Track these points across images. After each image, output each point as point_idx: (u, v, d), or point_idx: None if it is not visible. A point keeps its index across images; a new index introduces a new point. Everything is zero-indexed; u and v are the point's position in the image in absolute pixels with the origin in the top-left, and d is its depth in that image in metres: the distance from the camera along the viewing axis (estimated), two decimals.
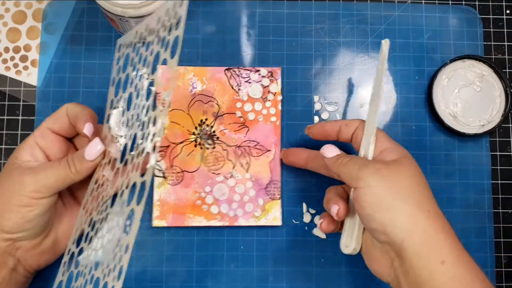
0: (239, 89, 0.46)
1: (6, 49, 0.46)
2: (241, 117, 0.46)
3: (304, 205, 0.45)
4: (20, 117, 0.46)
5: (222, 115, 0.46)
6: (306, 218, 0.45)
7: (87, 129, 0.38)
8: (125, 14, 0.40)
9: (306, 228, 0.45)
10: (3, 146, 0.45)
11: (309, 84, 0.47)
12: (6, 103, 0.46)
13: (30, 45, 0.46)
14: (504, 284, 0.46)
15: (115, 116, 0.38)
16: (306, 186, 0.46)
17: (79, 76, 0.46)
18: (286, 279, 0.44)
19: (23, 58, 0.46)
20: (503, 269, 0.46)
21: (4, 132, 0.45)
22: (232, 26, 0.47)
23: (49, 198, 0.37)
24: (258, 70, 0.46)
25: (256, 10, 0.48)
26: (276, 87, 0.46)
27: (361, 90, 0.47)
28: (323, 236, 0.45)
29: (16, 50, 0.46)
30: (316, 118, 0.46)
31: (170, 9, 0.31)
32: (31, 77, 0.46)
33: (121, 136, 0.38)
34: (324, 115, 0.47)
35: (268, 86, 0.46)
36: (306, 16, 0.48)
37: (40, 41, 0.46)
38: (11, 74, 0.46)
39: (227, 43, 0.47)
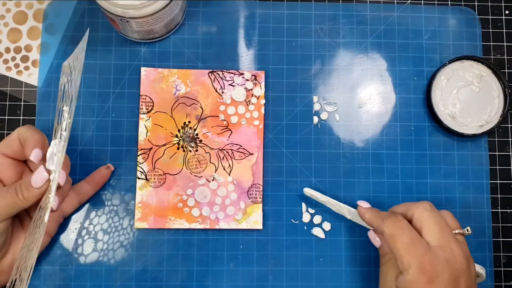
0: (222, 92, 0.46)
1: (7, 50, 0.47)
2: (224, 120, 0.46)
3: (304, 205, 0.45)
4: (21, 117, 0.46)
5: (205, 118, 0.46)
6: (305, 218, 0.45)
7: (34, 155, 0.36)
8: (126, 14, 0.40)
9: (305, 227, 0.45)
10: None
11: (308, 84, 0.47)
12: (7, 103, 0.46)
13: (31, 46, 0.47)
14: (503, 284, 0.46)
15: (51, 148, 0.35)
16: (305, 186, 0.46)
17: (80, 77, 0.46)
18: (286, 279, 0.45)
19: (24, 59, 0.46)
20: (502, 269, 0.46)
21: (5, 132, 0.46)
22: (232, 27, 0.47)
23: (0, 223, 0.36)
24: (242, 73, 0.46)
25: (256, 11, 0.48)
26: (259, 90, 0.46)
27: (360, 90, 0.48)
28: (323, 235, 0.45)
29: (17, 50, 0.47)
30: (315, 119, 0.47)
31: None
32: (32, 77, 0.46)
33: (53, 171, 0.35)
34: (323, 115, 0.47)
35: (251, 89, 0.46)
36: (306, 16, 0.48)
37: (41, 42, 0.47)
38: (12, 74, 0.46)
39: (226, 44, 0.47)
